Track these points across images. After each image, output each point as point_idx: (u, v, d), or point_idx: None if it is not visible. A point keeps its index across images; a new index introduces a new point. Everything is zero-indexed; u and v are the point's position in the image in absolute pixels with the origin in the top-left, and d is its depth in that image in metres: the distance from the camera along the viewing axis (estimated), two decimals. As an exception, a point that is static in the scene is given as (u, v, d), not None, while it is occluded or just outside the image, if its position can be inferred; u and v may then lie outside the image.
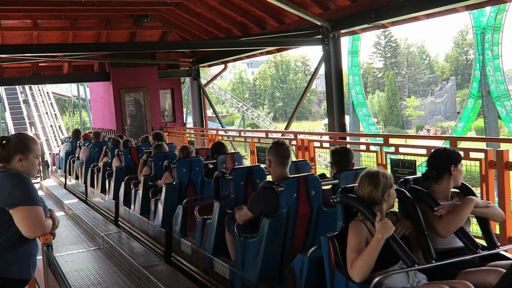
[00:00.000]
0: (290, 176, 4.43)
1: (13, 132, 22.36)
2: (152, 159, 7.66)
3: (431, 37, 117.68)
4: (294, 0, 10.36)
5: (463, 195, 3.73)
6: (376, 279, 3.12)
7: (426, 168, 3.85)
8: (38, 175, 16.22)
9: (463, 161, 6.00)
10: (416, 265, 3.21)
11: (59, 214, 10.13)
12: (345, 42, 45.99)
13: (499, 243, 3.63)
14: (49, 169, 16.28)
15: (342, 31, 10.18)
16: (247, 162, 12.19)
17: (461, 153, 5.92)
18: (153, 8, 13.74)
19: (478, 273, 3.25)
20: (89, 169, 10.88)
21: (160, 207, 6.71)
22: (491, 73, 35.57)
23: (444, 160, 3.74)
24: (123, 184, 8.43)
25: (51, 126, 27.33)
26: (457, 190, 3.81)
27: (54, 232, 3.46)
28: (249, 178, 5.10)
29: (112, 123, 15.68)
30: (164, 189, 6.64)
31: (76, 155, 12.66)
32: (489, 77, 35.60)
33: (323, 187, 4.47)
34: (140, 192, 7.59)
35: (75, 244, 7.80)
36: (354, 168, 4.80)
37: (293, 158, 9.05)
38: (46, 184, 14.32)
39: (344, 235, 3.38)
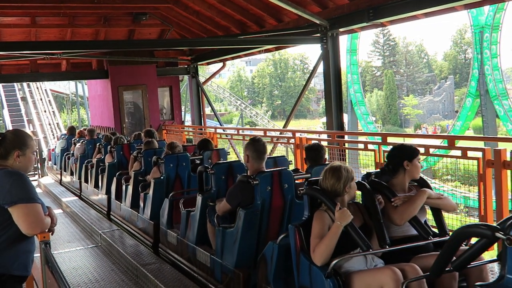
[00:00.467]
0: (265, 170, 4.75)
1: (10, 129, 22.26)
2: (142, 155, 7.98)
3: (430, 35, 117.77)
4: (292, -2, 10.39)
5: (421, 188, 4.11)
6: (334, 262, 3.45)
7: (384, 163, 4.31)
8: (35, 172, 16.22)
9: (461, 160, 6.01)
10: (370, 250, 3.56)
11: (57, 211, 10.16)
12: (343, 41, 46.03)
13: (448, 231, 3.94)
14: (45, 164, 16.32)
15: (341, 29, 10.17)
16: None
17: (459, 152, 5.95)
18: (151, 5, 13.72)
19: (428, 258, 3.55)
20: (83, 165, 11.20)
21: (149, 200, 7.04)
22: (489, 72, 35.58)
23: (398, 157, 4.11)
24: (115, 179, 8.82)
25: (49, 123, 27.29)
26: (415, 183, 4.19)
27: (52, 229, 3.47)
28: (230, 172, 5.47)
29: (110, 121, 15.66)
30: (152, 184, 6.97)
31: (71, 152, 12.97)
32: (487, 76, 35.61)
33: (296, 181, 4.79)
34: (130, 187, 7.92)
35: (72, 241, 7.81)
36: (325, 163, 5.20)
37: (291, 157, 9.09)
38: (44, 182, 14.32)
39: (310, 224, 3.71)
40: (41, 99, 29.13)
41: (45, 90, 30.88)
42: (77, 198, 10.98)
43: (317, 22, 10.05)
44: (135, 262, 5.98)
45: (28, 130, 22.11)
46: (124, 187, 8.33)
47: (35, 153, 3.56)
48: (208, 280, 5.16)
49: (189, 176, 7.08)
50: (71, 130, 14.76)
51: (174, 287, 5.13)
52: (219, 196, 5.30)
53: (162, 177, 6.98)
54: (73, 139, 13.30)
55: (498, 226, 2.44)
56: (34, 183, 14.90)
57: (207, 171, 5.48)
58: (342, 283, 3.44)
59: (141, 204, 7.41)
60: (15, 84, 26.82)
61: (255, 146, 4.87)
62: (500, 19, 35.17)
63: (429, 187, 4.13)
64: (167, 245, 6.42)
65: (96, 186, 10.17)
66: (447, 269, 2.92)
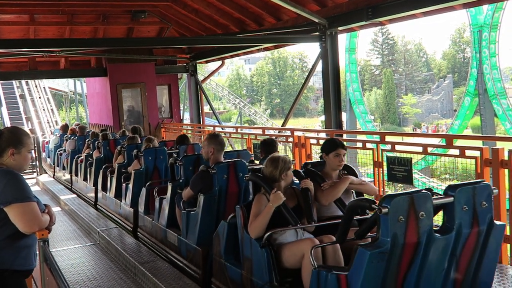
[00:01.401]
0: (222, 161, 5.54)
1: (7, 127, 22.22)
2: (125, 149, 8.83)
3: (429, 34, 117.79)
4: (291, -3, 10.39)
5: (349, 171, 5.03)
6: (267, 234, 4.19)
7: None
8: (34, 170, 16.21)
9: (459, 159, 6.01)
10: (298, 224, 4.31)
11: (55, 209, 10.15)
12: (342, 39, 46.00)
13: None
14: (41, 156, 16.42)
15: (339, 28, 10.18)
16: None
17: (457, 151, 5.96)
18: (150, 3, 13.72)
19: (349, 232, 3.91)
20: (74, 159, 12.04)
21: (130, 190, 7.82)
22: (488, 71, 35.61)
23: (321, 149, 5.03)
24: (101, 172, 9.67)
25: (47, 121, 27.27)
26: (346, 172, 5.01)
27: (50, 228, 3.47)
28: (197, 164, 6.13)
29: (109, 119, 15.66)
30: (132, 175, 7.77)
31: (63, 148, 13.72)
32: (486, 75, 35.65)
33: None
34: (114, 178, 8.76)
35: (71, 239, 7.80)
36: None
37: (290, 155, 9.10)
38: (42, 180, 14.31)
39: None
40: (39, 97, 29.12)
41: (44, 87, 30.85)
42: (75, 196, 11.04)
43: (316, 20, 10.06)
44: (133, 260, 5.99)
45: (26, 128, 22.08)
46: (109, 179, 9.07)
47: (32, 152, 3.54)
48: (176, 258, 5.94)
49: (166, 168, 7.75)
50: (64, 128, 15.26)
51: (172, 285, 5.14)
52: (186, 184, 5.92)
53: (141, 169, 7.78)
54: (65, 135, 14.00)
55: (374, 200, 3.46)
56: (33, 181, 14.93)
57: (177, 163, 6.30)
58: (274, 252, 4.21)
59: (123, 193, 8.22)
60: (13, 81, 26.77)
61: (219, 140, 5.73)
62: (499, 18, 35.20)
63: (355, 175, 4.97)
64: (144, 229, 7.18)
65: (85, 179, 10.90)
66: (352, 238, 3.53)
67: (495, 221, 3.56)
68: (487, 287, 3.70)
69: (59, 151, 14.14)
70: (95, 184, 10.03)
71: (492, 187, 3.54)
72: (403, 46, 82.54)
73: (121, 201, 8.31)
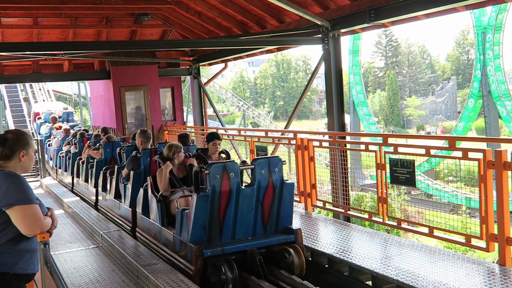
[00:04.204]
0: (214, 162, 6.51)
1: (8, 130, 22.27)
2: (102, 145, 10.75)
3: (432, 36, 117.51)
4: (294, -1, 10.39)
5: (227, 158, 7.50)
6: (159, 194, 6.82)
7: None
8: (38, 173, 16.25)
9: (462, 161, 6.00)
10: (182, 187, 6.91)
11: (58, 212, 10.18)
12: (346, 41, 45.94)
13: None
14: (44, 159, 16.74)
15: (342, 30, 10.17)
16: (248, 161, 12.14)
17: (460, 153, 5.94)
18: (153, 6, 13.73)
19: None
20: (59, 156, 14.68)
21: (129, 191, 8.24)
22: (492, 73, 35.50)
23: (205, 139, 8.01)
24: (76, 163, 12.24)
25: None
26: (224, 155, 7.73)
27: (51, 231, 3.48)
28: (153, 155, 7.90)
29: (112, 121, 15.68)
30: (131, 175, 8.25)
31: (50, 141, 16.72)
32: (490, 77, 35.53)
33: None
34: (92, 169, 10.70)
35: (74, 242, 7.80)
36: (192, 145, 9.07)
37: (293, 158, 9.06)
38: (46, 182, 14.34)
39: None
40: (43, 100, 29.18)
41: (48, 90, 30.94)
42: (79, 199, 11.09)
43: (319, 23, 10.05)
44: (136, 263, 5.99)
45: (30, 131, 22.15)
46: (81, 167, 11.67)
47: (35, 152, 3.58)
48: (171, 255, 6.38)
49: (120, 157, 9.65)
50: (53, 120, 18.90)
51: None
52: (146, 174, 7.92)
53: (102, 158, 10.55)
54: (52, 131, 17.48)
55: (205, 167, 5.66)
56: (36, 183, 14.96)
57: (121, 152, 9.39)
58: (165, 206, 6.77)
59: (108, 187, 9.52)
60: (17, 84, 26.86)
61: (145, 135, 8.64)
62: (503, 20, 35.11)
63: (228, 157, 7.65)
64: (140, 228, 7.75)
65: (66, 170, 13.53)
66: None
67: (285, 180, 5.99)
68: (288, 223, 6.19)
69: (47, 141, 16.99)
70: (72, 173, 12.59)
71: (283, 160, 6.00)
72: (407, 48, 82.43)
73: (86, 182, 10.30)
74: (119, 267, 6.41)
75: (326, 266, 6.39)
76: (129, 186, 8.10)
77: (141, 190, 7.44)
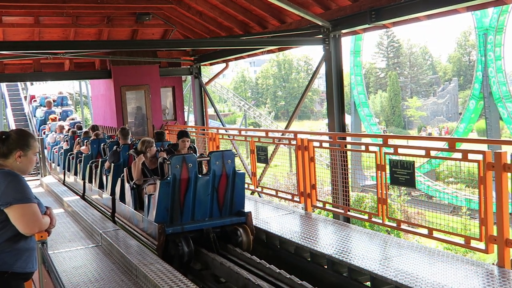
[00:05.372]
0: (128, 143, 9.66)
1: (14, 129, 22.32)
2: (89, 142, 11.90)
3: (434, 37, 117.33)
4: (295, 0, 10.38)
5: (193, 151, 8.21)
6: (132, 182, 7.91)
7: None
8: (38, 172, 16.25)
9: (462, 163, 5.98)
10: (153, 177, 7.81)
11: (58, 211, 10.19)
12: (347, 42, 45.92)
13: None
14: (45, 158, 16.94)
15: (343, 31, 10.15)
16: (247, 161, 12.25)
17: (459, 154, 5.92)
18: (154, 6, 13.72)
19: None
20: (52, 151, 15.98)
21: (110, 181, 9.29)
22: (493, 75, 35.49)
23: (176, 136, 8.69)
24: (67, 159, 13.27)
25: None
26: (191, 151, 8.23)
27: (49, 230, 3.48)
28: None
29: (113, 121, 15.68)
30: (112, 167, 9.35)
31: (47, 133, 18.28)
32: (491, 79, 35.53)
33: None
34: (81, 163, 11.74)
35: (73, 241, 7.82)
36: (167, 141, 10.07)
37: (293, 157, 9.08)
38: (46, 181, 14.35)
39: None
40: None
41: (49, 89, 30.84)
42: (79, 197, 11.11)
43: (320, 23, 10.04)
44: (135, 262, 5.99)
45: (31, 129, 22.17)
46: (71, 162, 12.86)
47: (37, 154, 3.58)
48: (139, 232, 7.58)
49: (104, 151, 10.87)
50: (49, 104, 20.58)
51: (173, 287, 5.14)
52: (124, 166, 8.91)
53: (89, 153, 11.53)
54: (49, 123, 18.92)
55: (167, 158, 7.10)
56: (37, 183, 14.97)
57: (105, 147, 10.52)
58: (138, 192, 7.80)
59: (93, 179, 10.60)
60: (18, 83, 26.86)
61: (122, 132, 10.09)
62: (504, 22, 35.11)
63: (195, 152, 8.30)
64: (119, 213, 8.82)
65: (58, 164, 14.77)
66: None
67: (237, 171, 7.19)
68: (241, 207, 7.32)
69: (42, 129, 19.03)
70: (64, 169, 13.64)
71: (234, 153, 7.46)
72: (409, 49, 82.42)
73: (88, 182, 10.97)
74: (118, 266, 6.42)
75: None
76: (110, 177, 9.16)
77: (119, 180, 8.57)
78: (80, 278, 6.01)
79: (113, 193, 8.97)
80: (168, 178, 6.73)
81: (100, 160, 10.25)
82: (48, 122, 19.23)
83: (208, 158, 6.99)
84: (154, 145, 8.27)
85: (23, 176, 3.42)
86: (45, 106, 20.84)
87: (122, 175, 8.46)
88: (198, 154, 7.84)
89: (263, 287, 5.49)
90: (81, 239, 7.92)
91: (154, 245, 6.82)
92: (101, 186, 9.96)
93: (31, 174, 16.15)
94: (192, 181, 6.84)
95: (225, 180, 7.08)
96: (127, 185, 8.14)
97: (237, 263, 6.51)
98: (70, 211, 9.92)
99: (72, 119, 19.46)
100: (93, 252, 7.20)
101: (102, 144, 11.09)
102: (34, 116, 21.63)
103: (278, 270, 5.87)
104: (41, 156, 16.47)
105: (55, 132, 17.16)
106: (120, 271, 6.23)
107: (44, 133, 18.65)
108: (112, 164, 9.25)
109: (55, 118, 19.65)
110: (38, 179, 15.62)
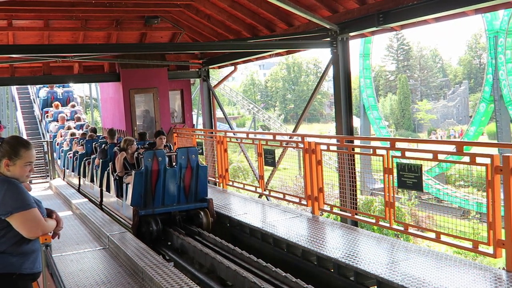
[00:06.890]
0: (115, 142, 11.23)
1: (24, 131, 22.50)
2: (84, 142, 13.35)
3: (444, 40, 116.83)
4: (303, 3, 10.35)
5: (170, 150, 9.97)
6: (116, 174, 9.61)
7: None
8: (47, 174, 16.32)
9: (473, 166, 5.91)
10: (133, 170, 8.74)
11: (66, 213, 10.24)
12: (356, 45, 45.90)
13: None
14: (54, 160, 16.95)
15: (351, 34, 10.12)
16: (255, 165, 12.23)
17: (467, 158, 5.87)
18: (163, 9, 13.77)
19: None
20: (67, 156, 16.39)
21: (99, 174, 10.88)
22: (504, 77, 35.24)
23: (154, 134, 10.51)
24: (67, 157, 14.85)
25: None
26: (169, 148, 10.17)
27: (58, 233, 3.51)
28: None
29: (121, 123, 15.73)
30: (100, 163, 10.91)
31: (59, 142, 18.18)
32: (502, 81, 35.27)
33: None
34: (77, 161, 13.30)
35: (81, 243, 7.84)
36: (148, 140, 11.49)
37: (302, 161, 9.02)
38: (55, 184, 14.41)
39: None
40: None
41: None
42: (87, 200, 11.17)
43: (327, 26, 10.03)
44: (141, 265, 5.99)
45: (40, 131, 22.31)
46: (72, 160, 14.18)
47: (31, 164, 3.49)
48: (119, 215, 9.11)
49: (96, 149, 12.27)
50: (62, 119, 20.22)
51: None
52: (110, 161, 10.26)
53: (107, 158, 11.45)
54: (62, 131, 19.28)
55: (141, 153, 8.71)
56: (45, 185, 15.04)
57: (105, 148, 11.30)
58: (120, 183, 9.31)
59: (86, 174, 12.14)
60: (28, 86, 27.01)
61: (109, 132, 11.62)
62: (515, 24, 34.84)
63: (171, 149, 9.87)
64: (105, 201, 10.51)
65: (63, 166, 15.86)
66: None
67: (200, 164, 8.77)
68: (204, 195, 8.88)
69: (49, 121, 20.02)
70: (65, 166, 15.24)
71: (198, 148, 9.66)
72: (419, 51, 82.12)
73: (84, 178, 12.32)
74: (125, 269, 6.42)
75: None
76: (99, 171, 10.79)
77: (105, 173, 10.24)
78: (87, 280, 6.02)
79: (101, 185, 10.65)
80: (142, 169, 8.32)
81: (92, 157, 11.88)
82: (61, 130, 18.46)
83: (175, 153, 8.60)
84: (135, 143, 9.69)
85: (33, 176, 3.43)
86: (57, 121, 20.01)
87: (108, 168, 10.01)
88: (173, 151, 9.42)
89: (269, 290, 5.49)
90: (88, 242, 7.95)
91: (129, 225, 8.30)
92: (92, 179, 11.60)
93: (40, 176, 16.22)
94: (161, 172, 8.42)
95: (190, 172, 8.65)
96: (111, 177, 9.75)
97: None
98: (78, 214, 9.97)
99: (79, 119, 19.54)
100: (100, 255, 7.21)
101: (94, 143, 12.67)
102: (38, 97, 22.99)
103: (284, 274, 5.85)
104: (50, 158, 16.54)
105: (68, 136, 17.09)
106: (127, 274, 6.24)
107: (46, 116, 20.31)
108: (101, 161, 10.85)
109: (57, 105, 20.80)
110: (47, 182, 15.68)
